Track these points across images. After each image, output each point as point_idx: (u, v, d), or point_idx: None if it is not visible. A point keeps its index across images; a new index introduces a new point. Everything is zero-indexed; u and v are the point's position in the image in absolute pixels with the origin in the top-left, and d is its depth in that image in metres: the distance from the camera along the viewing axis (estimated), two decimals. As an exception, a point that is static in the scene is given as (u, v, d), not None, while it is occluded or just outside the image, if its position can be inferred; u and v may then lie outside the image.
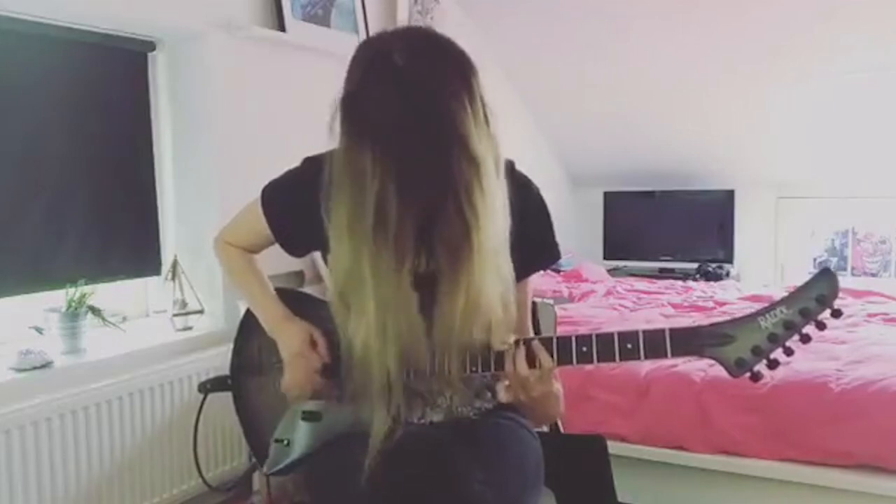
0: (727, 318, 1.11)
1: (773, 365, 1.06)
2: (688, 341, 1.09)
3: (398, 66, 1.10)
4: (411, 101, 1.10)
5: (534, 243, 1.32)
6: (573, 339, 1.14)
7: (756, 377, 1.08)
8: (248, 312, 1.50)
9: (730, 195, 4.54)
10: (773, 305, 1.06)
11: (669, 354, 1.08)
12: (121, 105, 2.50)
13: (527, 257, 1.28)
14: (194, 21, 2.47)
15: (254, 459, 1.45)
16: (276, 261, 1.50)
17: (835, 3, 3.29)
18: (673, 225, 4.75)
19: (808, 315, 1.04)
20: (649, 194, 4.80)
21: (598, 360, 1.12)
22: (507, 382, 1.18)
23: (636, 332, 1.10)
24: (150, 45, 2.56)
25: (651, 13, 3.62)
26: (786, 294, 1.08)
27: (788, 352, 1.05)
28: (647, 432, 2.44)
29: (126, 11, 2.29)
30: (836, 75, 3.65)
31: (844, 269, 4.46)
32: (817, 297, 1.04)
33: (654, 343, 1.10)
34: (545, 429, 1.58)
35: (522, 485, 1.24)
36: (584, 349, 1.13)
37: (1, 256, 2.16)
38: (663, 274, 4.55)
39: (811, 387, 2.30)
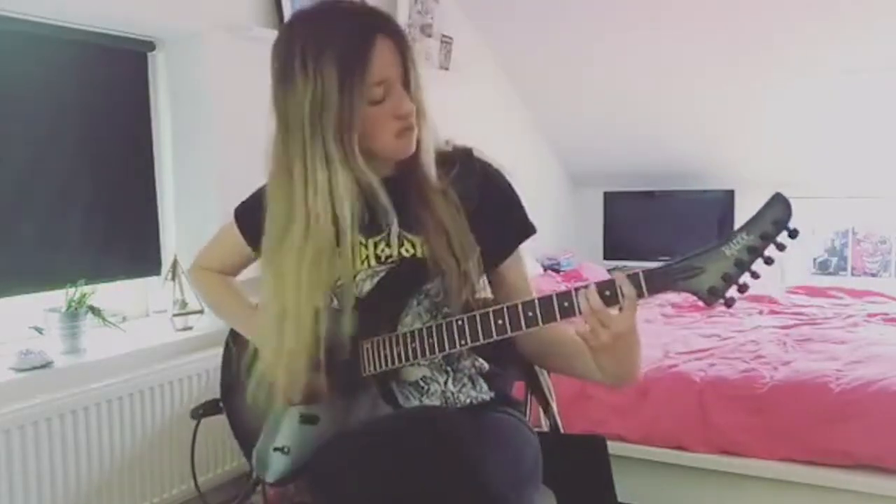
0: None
1: (742, 289, 1.11)
2: (661, 279, 1.12)
3: None
4: None
5: (503, 222, 1.34)
6: (553, 296, 1.15)
7: (729, 303, 1.12)
8: (231, 331, 1.52)
9: (730, 195, 4.53)
10: (734, 233, 1.10)
11: (646, 294, 1.12)
12: (121, 105, 2.50)
13: (500, 236, 1.33)
14: (194, 21, 2.47)
15: (255, 475, 1.45)
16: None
17: (835, 3, 3.29)
18: (673, 225, 4.74)
19: (767, 238, 1.08)
20: (649, 194, 4.80)
21: (581, 312, 1.14)
22: (584, 327, 1.16)
23: (612, 280, 1.13)
24: (150, 45, 2.56)
25: (651, 14, 3.62)
26: (744, 222, 1.12)
27: (755, 275, 1.10)
28: (646, 432, 2.44)
29: (126, 11, 2.29)
30: (836, 75, 3.65)
31: (844, 269, 4.46)
32: (773, 220, 1.08)
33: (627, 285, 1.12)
34: (545, 428, 1.58)
35: (519, 477, 1.24)
36: (566, 304, 1.14)
37: (1, 256, 2.16)
38: (663, 274, 4.54)
39: (811, 387, 2.31)
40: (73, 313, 2.19)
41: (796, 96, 3.86)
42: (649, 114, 4.23)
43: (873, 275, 4.38)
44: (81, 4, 2.20)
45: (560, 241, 4.60)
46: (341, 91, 1.14)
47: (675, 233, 4.73)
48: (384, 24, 1.20)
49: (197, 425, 1.64)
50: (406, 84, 1.21)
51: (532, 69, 4.20)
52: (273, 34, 2.65)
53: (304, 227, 1.19)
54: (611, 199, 4.91)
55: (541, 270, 4.16)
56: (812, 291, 3.85)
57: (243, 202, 1.49)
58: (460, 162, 1.30)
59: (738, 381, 2.41)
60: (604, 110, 4.32)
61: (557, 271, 4.26)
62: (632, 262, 4.81)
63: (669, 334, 3.01)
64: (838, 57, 3.57)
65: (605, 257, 4.87)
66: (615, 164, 4.73)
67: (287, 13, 2.75)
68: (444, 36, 3.57)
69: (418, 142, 1.24)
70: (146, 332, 2.48)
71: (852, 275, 4.42)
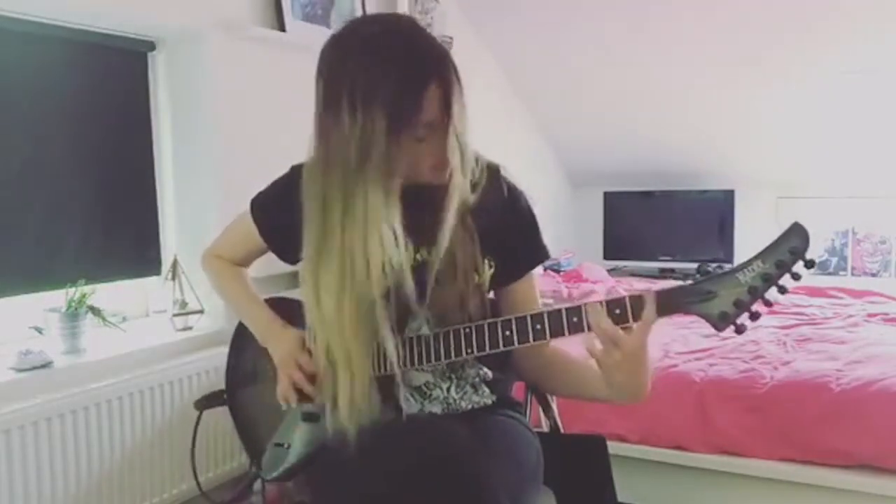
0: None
1: (754, 317, 1.10)
2: (673, 301, 1.12)
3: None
4: None
5: (519, 246, 1.36)
6: (563, 311, 1.15)
7: (740, 329, 1.11)
8: (240, 324, 1.52)
9: (730, 195, 4.54)
10: (750, 261, 1.10)
11: (657, 315, 1.11)
12: (121, 105, 2.49)
13: (514, 259, 1.35)
14: (194, 21, 2.46)
15: (254, 468, 1.45)
16: (273, 263, 1.51)
17: (835, 4, 3.29)
18: (673, 225, 4.75)
19: (783, 267, 1.08)
20: (649, 194, 4.80)
21: (590, 329, 1.13)
22: (594, 343, 1.15)
23: (623, 298, 1.12)
24: (150, 45, 2.55)
25: (650, 14, 3.63)
26: (760, 250, 1.11)
27: (767, 303, 1.10)
28: (647, 432, 2.44)
29: (126, 11, 2.28)
30: (835, 75, 3.65)
31: (844, 270, 4.46)
32: (790, 249, 1.07)
33: (641, 306, 1.12)
34: (545, 429, 1.58)
35: (520, 480, 1.24)
36: (575, 319, 1.14)
37: (1, 256, 2.16)
38: (663, 274, 4.55)
39: (811, 387, 2.31)
40: (73, 313, 2.19)
41: (796, 96, 3.86)
42: (649, 114, 4.23)
43: (873, 275, 4.38)
44: (81, 4, 2.20)
45: (560, 241, 4.60)
46: (388, 138, 1.12)
47: (675, 233, 4.74)
48: (438, 67, 1.17)
49: (199, 416, 1.64)
50: (449, 120, 1.18)
51: (532, 69, 4.20)
52: (273, 34, 2.70)
53: (340, 264, 1.17)
54: (611, 199, 4.91)
55: (541, 270, 4.16)
56: (812, 291, 3.85)
57: (261, 193, 1.46)
58: (487, 179, 1.30)
59: (738, 381, 2.41)
60: (604, 110, 4.32)
61: (557, 271, 4.27)
62: (632, 262, 4.83)
63: (669, 334, 3.01)
64: (839, 57, 3.57)
65: (605, 257, 4.88)
66: (615, 164, 4.73)
67: (287, 13, 2.75)
68: (444, 36, 3.57)
69: (451, 171, 1.22)
70: (146, 332, 2.47)
71: (852, 275, 4.43)
